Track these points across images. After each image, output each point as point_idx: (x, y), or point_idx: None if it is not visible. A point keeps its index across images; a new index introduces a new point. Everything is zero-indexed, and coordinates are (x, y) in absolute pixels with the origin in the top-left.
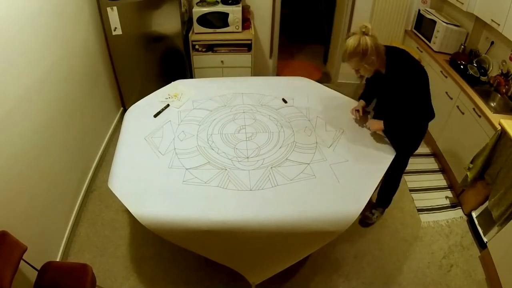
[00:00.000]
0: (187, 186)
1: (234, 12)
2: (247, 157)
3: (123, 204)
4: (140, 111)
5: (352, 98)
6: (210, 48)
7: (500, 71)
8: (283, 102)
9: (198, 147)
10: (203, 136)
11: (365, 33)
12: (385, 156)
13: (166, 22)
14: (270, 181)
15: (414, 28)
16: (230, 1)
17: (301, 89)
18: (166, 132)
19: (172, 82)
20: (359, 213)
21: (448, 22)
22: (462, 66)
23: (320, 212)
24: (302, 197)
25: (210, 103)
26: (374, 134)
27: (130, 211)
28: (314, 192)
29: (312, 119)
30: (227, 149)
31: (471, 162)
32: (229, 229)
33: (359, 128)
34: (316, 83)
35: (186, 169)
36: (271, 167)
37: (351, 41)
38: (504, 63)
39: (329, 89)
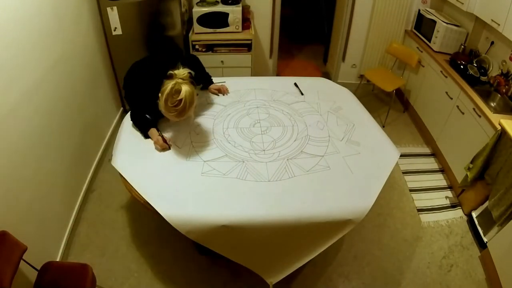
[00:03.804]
0: (206, 178)
1: (234, 12)
2: (264, 150)
3: (123, 204)
4: None
5: None
6: (210, 48)
7: (500, 71)
8: (295, 87)
9: (215, 140)
10: (219, 130)
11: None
12: (392, 149)
13: (166, 22)
14: (287, 172)
15: (414, 28)
16: (230, 1)
17: (313, 86)
18: (181, 126)
19: None
20: (373, 202)
21: (448, 22)
22: (462, 66)
23: (337, 201)
24: (319, 187)
25: (223, 98)
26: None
27: (151, 204)
28: (329, 182)
29: (323, 114)
30: (244, 142)
31: (471, 162)
32: (250, 221)
33: (369, 123)
34: (327, 80)
35: (204, 161)
36: (287, 159)
37: (187, 91)
38: (504, 63)
39: (339, 85)
